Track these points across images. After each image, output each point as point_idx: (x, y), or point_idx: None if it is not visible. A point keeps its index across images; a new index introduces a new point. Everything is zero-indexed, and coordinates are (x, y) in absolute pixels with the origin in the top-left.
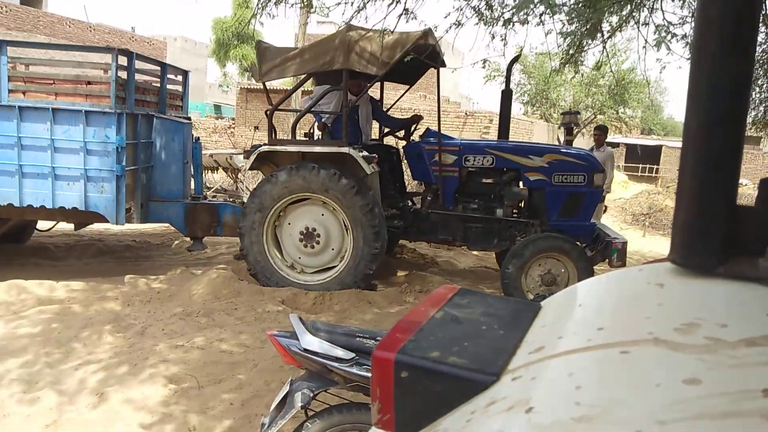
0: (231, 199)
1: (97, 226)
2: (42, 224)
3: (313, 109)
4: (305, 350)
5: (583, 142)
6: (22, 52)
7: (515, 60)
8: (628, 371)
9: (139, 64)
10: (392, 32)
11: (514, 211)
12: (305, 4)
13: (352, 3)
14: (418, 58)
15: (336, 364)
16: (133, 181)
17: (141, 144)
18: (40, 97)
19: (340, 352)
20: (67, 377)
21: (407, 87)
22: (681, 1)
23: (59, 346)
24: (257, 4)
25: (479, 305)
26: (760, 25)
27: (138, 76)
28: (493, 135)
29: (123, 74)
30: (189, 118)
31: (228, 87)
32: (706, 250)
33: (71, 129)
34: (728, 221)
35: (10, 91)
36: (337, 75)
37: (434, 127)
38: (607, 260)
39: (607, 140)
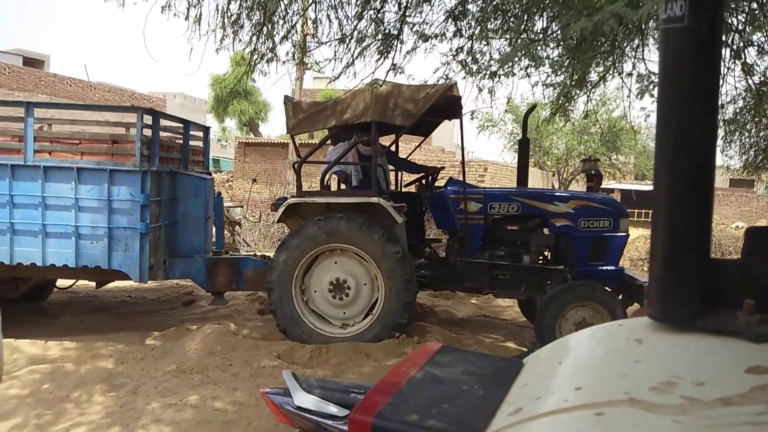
0: (251, 252)
1: (91, 282)
2: (62, 281)
3: (342, 161)
4: (298, 408)
5: (576, 189)
6: (48, 113)
7: (531, 110)
8: None
9: (162, 122)
10: (411, 84)
11: (540, 257)
12: (297, 61)
13: (341, 59)
14: (438, 110)
15: (330, 422)
16: (156, 237)
17: (164, 200)
18: (66, 156)
19: (333, 409)
20: None
21: (421, 140)
22: None
23: (50, 407)
24: (249, 62)
25: (461, 364)
26: (741, 73)
27: (162, 134)
28: (488, 183)
29: (148, 132)
30: (210, 173)
31: (227, 141)
32: (682, 305)
33: (96, 188)
34: (703, 274)
35: (36, 151)
36: (355, 130)
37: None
38: (636, 304)
39: (601, 186)
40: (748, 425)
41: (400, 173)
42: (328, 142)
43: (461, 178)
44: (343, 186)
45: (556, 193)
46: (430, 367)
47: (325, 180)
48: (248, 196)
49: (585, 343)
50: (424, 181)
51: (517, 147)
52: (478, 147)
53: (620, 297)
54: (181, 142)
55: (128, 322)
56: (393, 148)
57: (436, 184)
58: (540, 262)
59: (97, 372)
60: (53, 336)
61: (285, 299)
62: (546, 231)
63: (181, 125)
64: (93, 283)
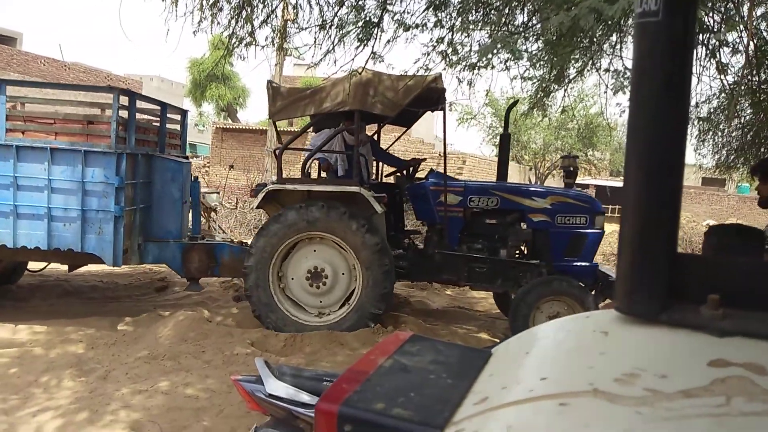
0: (228, 239)
1: (62, 266)
2: (33, 264)
3: (324, 149)
4: (270, 395)
5: (553, 183)
6: (21, 92)
7: (513, 105)
8: (565, 424)
9: (139, 104)
10: (400, 75)
11: (517, 251)
12: (276, 46)
13: (321, 46)
14: (421, 101)
15: (301, 410)
16: (131, 221)
17: (140, 184)
18: (39, 136)
19: (305, 397)
20: (23, 424)
21: (404, 130)
22: None
23: (17, 391)
24: (227, 46)
25: (429, 353)
26: (716, 73)
27: (138, 116)
28: (466, 175)
29: (124, 114)
30: (187, 157)
31: (204, 126)
32: (648, 298)
33: (70, 169)
34: (670, 269)
35: (8, 130)
36: (339, 118)
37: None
38: (609, 300)
39: (576, 182)
40: (708, 417)
41: (380, 164)
42: (310, 129)
43: (441, 170)
44: (323, 174)
45: (535, 189)
46: (398, 356)
47: (307, 167)
48: (225, 183)
49: (552, 334)
50: (405, 172)
51: (496, 140)
52: (456, 139)
53: (593, 293)
54: (158, 124)
55: (100, 307)
56: (375, 139)
57: (417, 175)
58: (517, 256)
59: (67, 357)
60: (22, 320)
61: (261, 285)
62: (524, 226)
63: (158, 107)
64: (64, 267)
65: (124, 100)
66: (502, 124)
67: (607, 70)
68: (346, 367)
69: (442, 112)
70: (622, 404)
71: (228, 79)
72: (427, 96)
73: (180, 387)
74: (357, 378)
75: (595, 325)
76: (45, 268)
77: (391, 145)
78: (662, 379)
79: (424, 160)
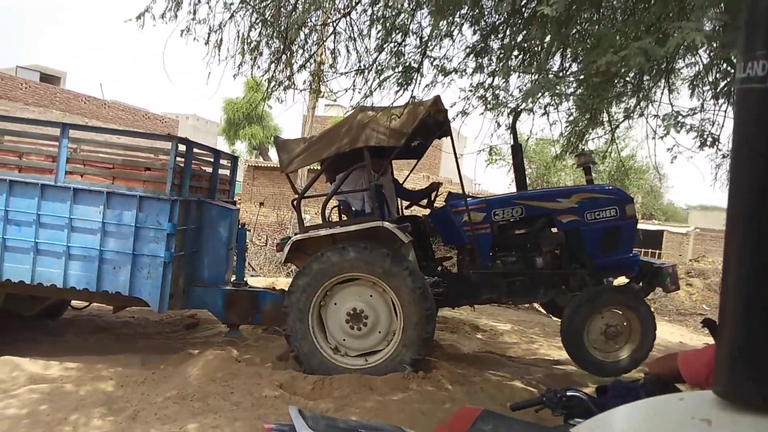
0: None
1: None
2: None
3: (339, 191)
4: None
5: None
6: (84, 136)
7: (518, 114)
8: None
9: (194, 151)
10: (392, 106)
11: (555, 257)
12: (313, 90)
13: (360, 90)
14: (427, 130)
15: None
16: (178, 266)
17: (189, 229)
18: (97, 180)
19: None
20: None
21: (414, 163)
22: (690, 92)
23: (47, 429)
24: (266, 89)
25: (503, 431)
26: None
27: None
28: None
29: (180, 161)
30: (235, 203)
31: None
32: (756, 382)
33: (124, 213)
34: None
35: (67, 172)
36: (352, 158)
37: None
38: (660, 288)
39: None
40: None
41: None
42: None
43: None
44: (344, 216)
45: (558, 190)
46: None
47: (328, 213)
48: (255, 220)
49: (641, 419)
50: (425, 202)
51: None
52: (484, 180)
53: (640, 284)
54: (211, 171)
55: (130, 343)
56: (390, 173)
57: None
58: (557, 258)
59: (97, 395)
60: (54, 354)
61: (300, 326)
62: (554, 229)
63: (212, 154)
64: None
65: (181, 148)
66: (531, 165)
67: (656, 116)
68: (376, 413)
69: (449, 136)
70: None
71: (261, 119)
72: (433, 123)
73: (209, 429)
74: None
75: (693, 411)
76: (88, 306)
77: (407, 178)
78: None
79: (441, 184)
